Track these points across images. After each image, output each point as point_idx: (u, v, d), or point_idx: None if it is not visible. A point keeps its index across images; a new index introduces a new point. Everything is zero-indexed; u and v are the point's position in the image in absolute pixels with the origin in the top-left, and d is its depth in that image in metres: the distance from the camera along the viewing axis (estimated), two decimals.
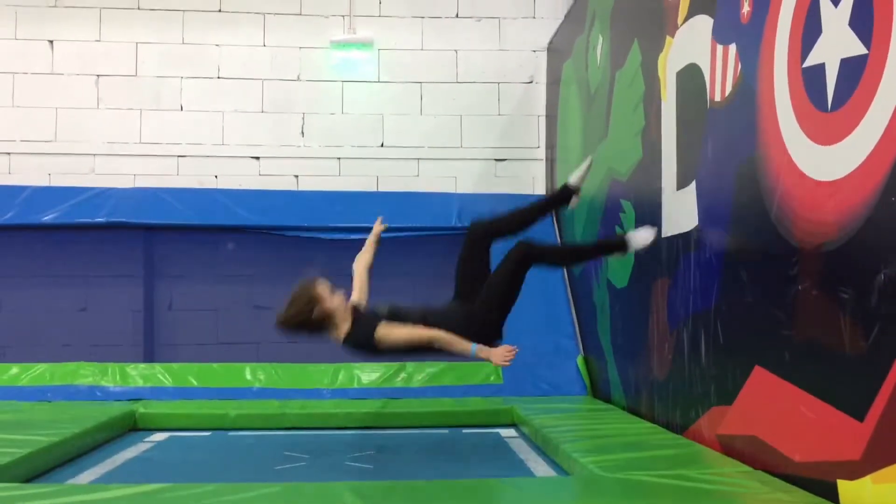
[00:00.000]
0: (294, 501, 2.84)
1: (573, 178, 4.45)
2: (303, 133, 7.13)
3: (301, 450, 4.52)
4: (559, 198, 4.55)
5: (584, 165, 4.48)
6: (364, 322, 4.05)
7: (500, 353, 3.94)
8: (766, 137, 3.19)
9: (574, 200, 4.48)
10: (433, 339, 3.95)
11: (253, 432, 5.18)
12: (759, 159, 3.24)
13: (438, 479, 3.32)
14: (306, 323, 4.03)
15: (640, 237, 4.28)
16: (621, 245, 4.32)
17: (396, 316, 4.06)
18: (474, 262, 4.21)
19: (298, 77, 7.13)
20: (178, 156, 6.99)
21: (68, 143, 6.92)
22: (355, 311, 4.12)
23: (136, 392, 5.98)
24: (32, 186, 6.67)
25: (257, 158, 7.07)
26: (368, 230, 4.58)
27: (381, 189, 7.09)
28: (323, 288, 4.05)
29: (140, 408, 5.39)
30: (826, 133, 2.78)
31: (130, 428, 5.20)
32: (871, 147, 2.52)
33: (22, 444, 3.87)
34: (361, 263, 4.39)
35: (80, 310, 6.57)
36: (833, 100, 2.73)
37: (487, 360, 3.97)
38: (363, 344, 4.04)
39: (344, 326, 4.06)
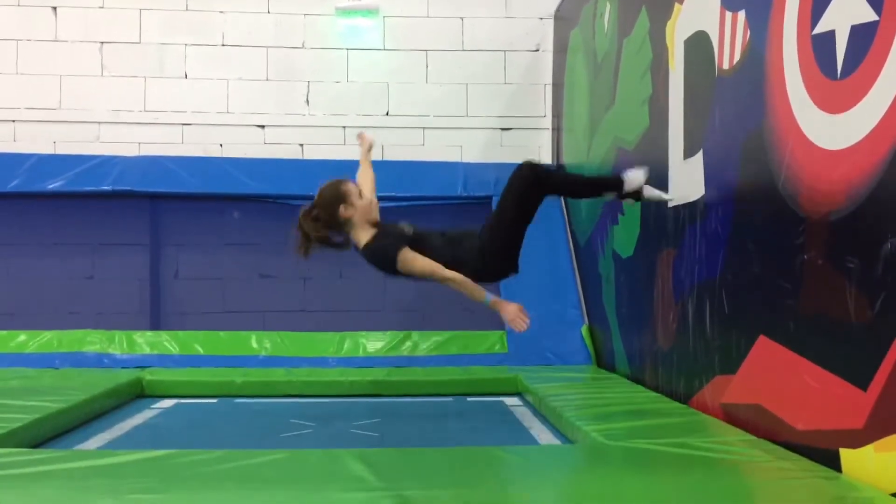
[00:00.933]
0: (300, 468, 2.86)
1: (630, 179, 4.10)
2: (308, 101, 7.10)
3: (307, 417, 4.56)
4: (607, 184, 4.29)
5: (641, 176, 4.12)
6: (388, 237, 3.90)
7: (513, 310, 3.81)
8: (775, 106, 3.16)
9: (610, 195, 4.22)
10: (450, 280, 3.85)
11: (259, 400, 5.22)
12: (767, 128, 3.21)
13: (443, 447, 3.34)
14: (330, 220, 3.91)
15: (634, 176, 4.09)
16: (618, 183, 4.12)
17: (419, 240, 3.93)
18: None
19: (303, 45, 7.08)
20: (183, 124, 6.97)
21: (73, 110, 6.90)
22: (379, 222, 3.98)
23: (142, 359, 6.02)
24: (38, 154, 6.66)
25: (262, 127, 7.05)
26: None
27: (387, 158, 7.06)
28: (351, 187, 3.96)
29: (147, 375, 5.43)
30: (835, 101, 2.75)
31: (137, 395, 5.25)
32: (881, 115, 2.50)
33: (30, 409, 3.91)
34: (367, 180, 4.23)
35: (86, 278, 6.60)
36: (843, 67, 2.70)
37: (500, 312, 3.85)
38: (382, 261, 3.91)
39: (365, 234, 3.92)
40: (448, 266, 3.90)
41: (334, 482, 2.63)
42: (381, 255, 3.89)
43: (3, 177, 6.47)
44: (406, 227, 3.97)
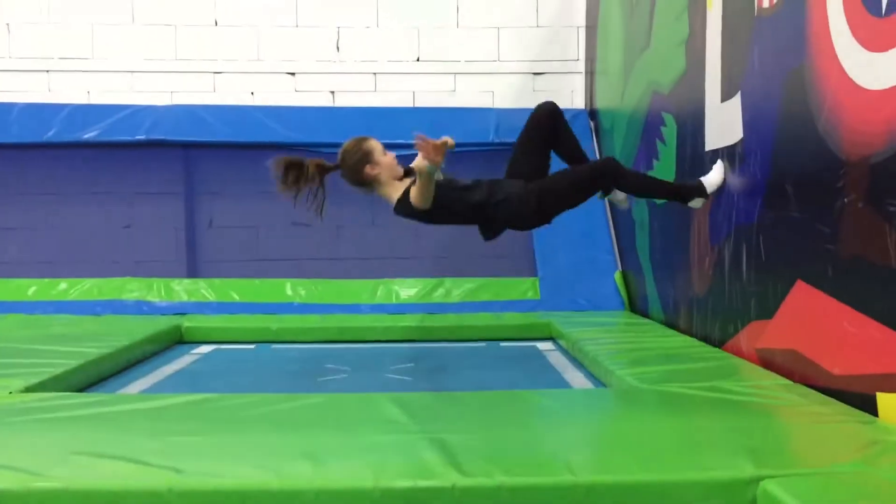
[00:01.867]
0: (337, 411, 2.91)
1: (709, 183, 4.00)
2: (338, 48, 7.04)
3: (342, 362, 4.62)
4: (682, 192, 4.11)
5: (718, 174, 4.00)
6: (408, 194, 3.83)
7: (428, 148, 3.46)
8: (816, 45, 3.08)
9: (698, 203, 4.07)
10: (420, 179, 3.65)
11: (295, 345, 5.30)
12: (808, 68, 3.13)
13: (476, 391, 3.38)
14: (357, 179, 3.88)
15: (714, 177, 3.99)
16: (699, 189, 4.02)
17: (451, 183, 3.89)
18: (532, 148, 3.98)
19: None
20: (214, 72, 6.97)
21: (105, 59, 6.92)
22: (409, 175, 3.88)
23: (180, 307, 6.13)
24: (72, 104, 6.70)
25: (293, 74, 7.02)
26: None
27: (418, 104, 7.02)
28: (374, 144, 3.89)
29: (185, 322, 5.53)
30: (879, 39, 2.67)
31: (176, 341, 5.35)
32: None
33: (74, 355, 4.00)
34: None
35: (124, 226, 6.69)
36: (888, 3, 2.61)
37: (423, 164, 3.59)
38: (410, 212, 3.86)
39: (395, 190, 3.87)
40: (477, 215, 3.87)
41: (370, 425, 2.67)
42: (408, 211, 3.85)
43: (39, 127, 6.53)
44: (438, 175, 3.90)
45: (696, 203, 4.09)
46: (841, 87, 2.89)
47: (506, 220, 3.97)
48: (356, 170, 3.87)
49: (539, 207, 3.89)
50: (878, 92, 2.67)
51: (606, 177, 3.97)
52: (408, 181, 3.88)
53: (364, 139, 3.93)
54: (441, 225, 4.21)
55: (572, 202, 3.98)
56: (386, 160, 3.89)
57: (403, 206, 3.87)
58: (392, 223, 6.72)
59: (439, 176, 3.89)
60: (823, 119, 3.02)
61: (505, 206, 3.87)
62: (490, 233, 4.05)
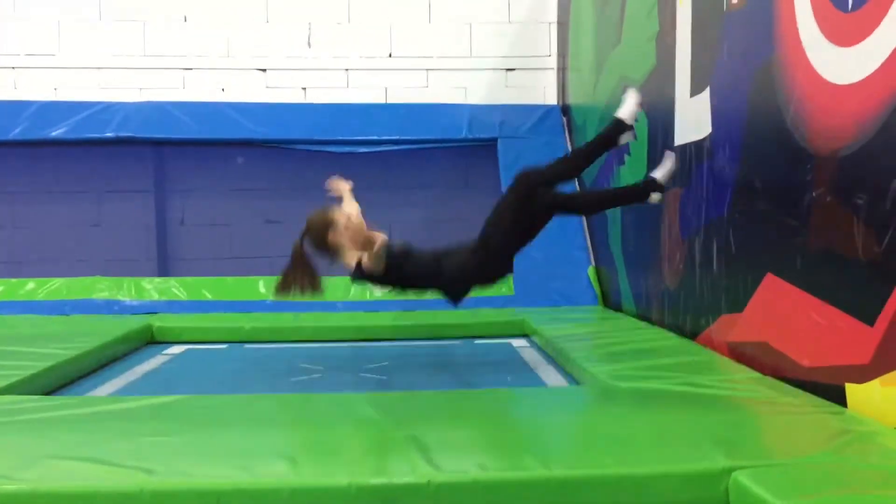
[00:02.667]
0: (311, 410, 2.90)
1: (625, 115, 3.98)
2: (309, 44, 7.00)
3: (316, 362, 4.59)
4: (610, 135, 4.04)
5: (632, 101, 4.00)
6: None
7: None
8: (784, 40, 3.11)
9: (627, 136, 4.01)
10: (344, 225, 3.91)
11: (268, 345, 5.26)
12: (776, 63, 3.16)
13: (451, 389, 3.37)
14: (321, 246, 3.98)
15: (663, 169, 3.96)
16: (652, 185, 3.95)
17: (408, 253, 3.96)
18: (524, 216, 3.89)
19: None
20: (184, 68, 6.90)
21: (72, 56, 6.83)
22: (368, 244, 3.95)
23: (151, 306, 6.06)
24: (39, 101, 6.61)
25: (264, 71, 6.97)
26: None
27: (390, 100, 7.00)
28: (338, 215, 3.97)
29: (156, 321, 5.46)
30: (845, 34, 2.70)
31: (148, 341, 5.29)
32: (892, 48, 2.45)
33: (42, 357, 3.94)
34: (354, 208, 4.13)
35: (93, 225, 6.61)
36: None
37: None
38: (364, 276, 3.96)
39: (352, 259, 3.95)
40: (431, 277, 3.96)
41: (344, 424, 2.66)
42: (362, 276, 3.93)
43: (6, 124, 6.43)
44: (396, 244, 3.97)
45: (655, 198, 4.04)
46: (809, 82, 2.93)
47: (463, 281, 4.01)
48: (320, 236, 3.95)
49: (488, 255, 3.91)
50: (845, 86, 2.71)
51: (529, 184, 3.84)
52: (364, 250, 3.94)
53: (328, 209, 4.01)
54: (404, 289, 4.16)
55: (516, 230, 3.90)
56: (351, 225, 3.93)
57: (358, 271, 3.94)
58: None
59: (398, 245, 3.97)
60: (792, 113, 3.05)
61: (456, 269, 3.93)
62: (453, 297, 4.09)
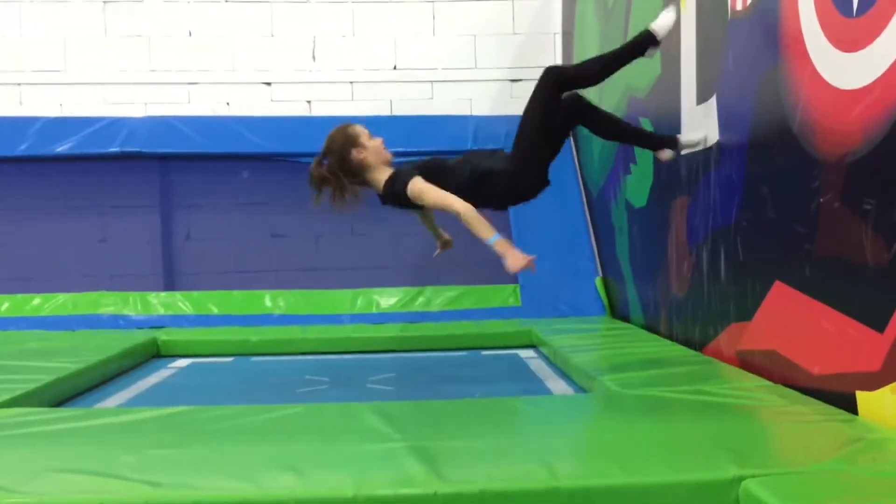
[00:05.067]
0: (317, 421, 2.88)
1: (658, 28, 3.78)
2: (314, 57, 7.02)
3: (322, 373, 4.58)
4: (638, 45, 3.86)
5: (670, 17, 3.79)
6: (402, 173, 3.68)
7: (518, 258, 3.46)
8: (789, 46, 3.10)
9: (652, 51, 3.85)
10: (459, 213, 3.55)
11: (274, 357, 5.25)
12: (782, 69, 3.15)
13: (458, 399, 3.35)
14: (343, 166, 3.68)
15: (663, 21, 3.80)
16: (650, 39, 3.81)
17: (438, 169, 3.73)
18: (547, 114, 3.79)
19: None
20: (189, 83, 6.92)
21: (78, 72, 6.86)
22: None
23: (157, 320, 6.06)
24: (44, 117, 6.63)
25: (269, 84, 6.99)
26: None
27: (395, 113, 7.00)
28: (359, 129, 3.75)
29: (162, 335, 5.46)
30: (851, 39, 2.68)
31: (154, 355, 5.28)
32: None
33: (49, 370, 3.94)
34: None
35: (99, 241, 6.61)
36: (858, 4, 2.63)
37: (501, 255, 3.52)
38: (397, 197, 3.68)
39: (382, 175, 3.71)
40: (468, 189, 3.67)
41: (351, 434, 2.64)
42: (395, 191, 3.67)
43: (12, 140, 6.45)
44: (423, 162, 3.78)
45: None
46: (814, 88, 2.91)
47: (503, 187, 3.78)
48: (342, 154, 3.70)
49: (524, 157, 3.75)
50: (851, 91, 2.69)
51: (557, 78, 3.80)
52: (392, 168, 3.74)
53: (349, 125, 3.80)
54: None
55: (546, 126, 3.79)
56: (373, 144, 3.73)
57: (389, 193, 3.70)
58: (371, 232, 6.77)
59: (427, 162, 3.79)
60: (798, 120, 3.03)
61: (495, 176, 3.74)
62: (493, 204, 3.85)
